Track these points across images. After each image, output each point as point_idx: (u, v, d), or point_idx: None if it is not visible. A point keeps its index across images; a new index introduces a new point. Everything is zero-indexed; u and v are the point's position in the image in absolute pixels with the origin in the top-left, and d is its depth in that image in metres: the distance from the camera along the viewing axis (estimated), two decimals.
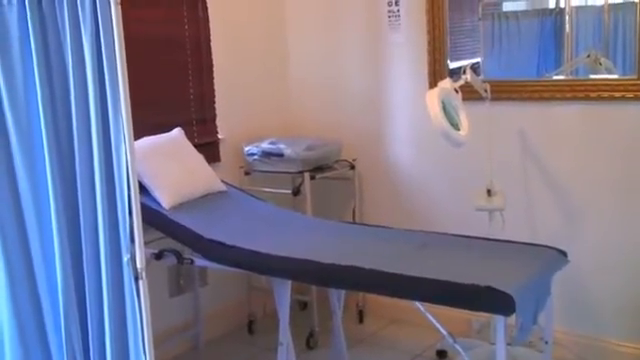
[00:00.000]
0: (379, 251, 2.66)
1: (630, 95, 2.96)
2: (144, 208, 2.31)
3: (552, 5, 3.32)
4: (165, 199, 2.88)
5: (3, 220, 2.19)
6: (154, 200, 2.87)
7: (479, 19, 3.42)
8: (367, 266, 2.41)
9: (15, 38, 2.14)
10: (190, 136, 3.36)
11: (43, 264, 2.27)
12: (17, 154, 2.19)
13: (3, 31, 2.13)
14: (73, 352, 2.30)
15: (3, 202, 2.19)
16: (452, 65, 3.44)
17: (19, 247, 2.23)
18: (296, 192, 3.47)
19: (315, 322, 3.52)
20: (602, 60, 3.08)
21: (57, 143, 2.22)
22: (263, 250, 2.61)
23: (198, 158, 3.21)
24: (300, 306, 3.84)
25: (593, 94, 3.05)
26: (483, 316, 3.23)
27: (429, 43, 3.45)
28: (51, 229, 2.25)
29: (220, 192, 3.17)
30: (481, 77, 3.24)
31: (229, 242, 2.67)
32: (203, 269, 3.47)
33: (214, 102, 3.62)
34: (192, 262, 2.73)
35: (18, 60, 2.15)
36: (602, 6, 3.10)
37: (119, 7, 2.04)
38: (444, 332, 2.59)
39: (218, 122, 3.65)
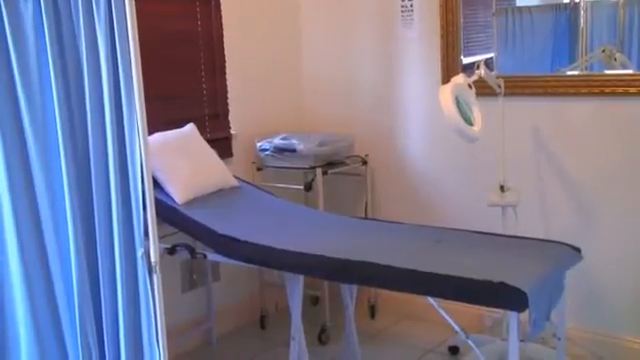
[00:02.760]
0: (392, 247, 2.66)
1: None
2: (157, 203, 2.33)
3: (566, 0, 3.30)
4: (178, 194, 2.89)
5: (18, 215, 2.20)
6: (167, 195, 2.88)
7: (493, 14, 3.40)
8: (381, 262, 2.41)
9: (30, 32, 2.15)
10: (203, 131, 3.37)
11: (58, 259, 2.29)
12: (32, 149, 2.20)
13: (18, 25, 2.14)
14: (88, 346, 2.31)
15: (18, 197, 2.20)
16: (465, 60, 3.43)
17: (34, 242, 2.24)
18: (308, 187, 3.47)
19: (327, 317, 3.53)
20: (617, 55, 3.06)
21: (72, 138, 2.23)
22: (275, 245, 2.61)
23: (211, 153, 3.22)
24: (312, 301, 3.84)
25: (608, 89, 3.03)
26: (495, 312, 3.23)
27: (442, 38, 3.44)
28: (66, 224, 2.26)
29: (232, 187, 3.18)
30: (495, 72, 3.22)
31: (242, 237, 2.67)
32: (215, 264, 3.49)
33: (227, 97, 3.63)
34: (205, 257, 2.74)
35: (33, 54, 2.16)
36: (617, 1, 3.08)
37: (133, 1, 2.05)
38: (457, 328, 2.59)
39: (231, 117, 3.66)
